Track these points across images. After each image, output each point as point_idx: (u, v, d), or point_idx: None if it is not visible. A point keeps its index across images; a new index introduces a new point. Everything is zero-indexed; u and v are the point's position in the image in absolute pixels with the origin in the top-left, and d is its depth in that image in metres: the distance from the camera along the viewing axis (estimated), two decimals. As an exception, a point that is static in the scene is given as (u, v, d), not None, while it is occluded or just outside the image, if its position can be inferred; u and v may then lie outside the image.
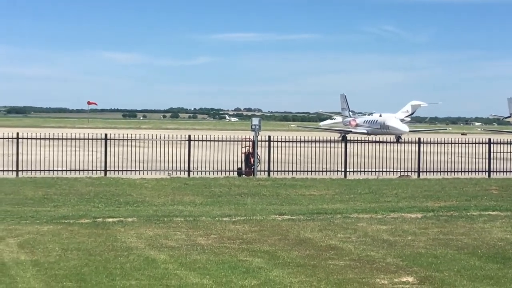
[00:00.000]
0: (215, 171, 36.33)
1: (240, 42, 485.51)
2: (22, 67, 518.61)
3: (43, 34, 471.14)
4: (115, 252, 15.78)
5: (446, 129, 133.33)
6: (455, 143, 40.73)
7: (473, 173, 39.12)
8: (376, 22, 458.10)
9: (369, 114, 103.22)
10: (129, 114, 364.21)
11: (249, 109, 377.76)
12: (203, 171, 36.32)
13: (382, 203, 25.61)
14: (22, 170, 34.33)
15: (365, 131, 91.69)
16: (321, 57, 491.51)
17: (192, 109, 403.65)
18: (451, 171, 38.97)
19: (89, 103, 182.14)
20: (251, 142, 37.73)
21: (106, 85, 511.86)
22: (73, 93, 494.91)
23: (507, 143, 43.92)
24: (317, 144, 40.83)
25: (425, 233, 19.24)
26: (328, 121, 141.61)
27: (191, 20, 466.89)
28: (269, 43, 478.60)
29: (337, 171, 37.66)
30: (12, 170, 34.28)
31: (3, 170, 34.22)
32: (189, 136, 37.90)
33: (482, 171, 39.48)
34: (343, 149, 38.24)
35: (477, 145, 41.40)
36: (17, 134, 35.43)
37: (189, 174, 35.71)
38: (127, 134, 40.79)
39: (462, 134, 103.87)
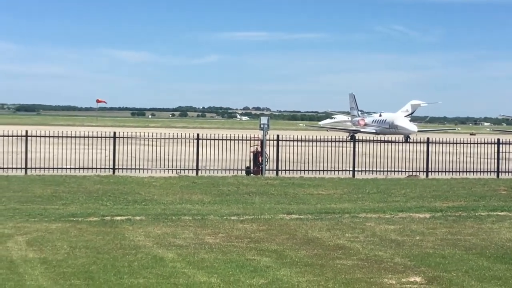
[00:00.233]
0: (224, 170, 36.34)
1: (249, 41, 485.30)
2: (31, 65, 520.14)
3: (52, 33, 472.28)
4: (123, 250, 15.80)
5: (455, 129, 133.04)
6: (464, 143, 40.66)
7: (482, 173, 39.04)
8: (385, 21, 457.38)
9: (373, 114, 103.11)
10: (138, 112, 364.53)
11: (257, 108, 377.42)
12: (212, 169, 36.33)
13: (390, 203, 25.59)
14: (31, 168, 34.41)
15: (374, 131, 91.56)
16: (329, 56, 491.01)
17: (201, 107, 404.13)
18: (459, 171, 38.91)
19: (98, 101, 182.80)
20: (259, 141, 37.74)
21: (115, 84, 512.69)
22: (82, 91, 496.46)
23: None
24: (326, 144, 40.82)
25: (433, 233, 19.22)
26: (328, 120, 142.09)
27: (200, 19, 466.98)
28: (278, 42, 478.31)
29: (346, 170, 37.63)
30: (21, 168, 34.37)
31: (12, 168, 34.31)
32: (198, 134, 37.92)
33: (491, 172, 39.41)
34: (352, 149, 38.22)
35: (486, 145, 41.32)
36: (26, 132, 35.50)
37: (197, 173, 35.74)
38: (136, 133, 40.84)
39: (471, 134, 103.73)
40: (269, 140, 37.77)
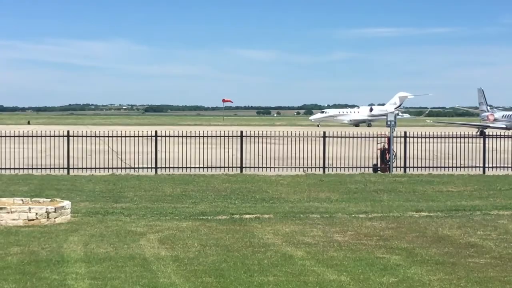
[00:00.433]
0: (351, 167, 36.16)
1: (378, 37, 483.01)
2: (159, 66, 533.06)
3: (180, 34, 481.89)
4: (252, 248, 15.92)
5: None
6: None
7: None
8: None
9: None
10: (263, 111, 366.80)
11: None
12: (339, 167, 36.20)
13: (523, 200, 24.90)
14: (161, 167, 35.08)
15: (504, 126, 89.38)
16: (457, 51, 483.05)
17: (326, 105, 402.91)
18: None
19: (224, 100, 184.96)
20: (386, 138, 37.40)
21: (241, 83, 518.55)
22: (209, 91, 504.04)
23: None
24: (453, 140, 40.10)
25: None
26: (318, 115, 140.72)
27: (327, 16, 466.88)
28: (406, 38, 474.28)
29: (475, 167, 36.86)
30: (151, 168, 35.09)
31: (143, 168, 35.09)
32: (324, 132, 37.84)
33: None
34: (481, 144, 37.41)
35: None
36: (156, 132, 36.22)
37: (324, 171, 35.69)
38: (262, 131, 41.06)
39: None
40: (396, 137, 37.37)
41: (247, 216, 20.64)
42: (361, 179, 31.70)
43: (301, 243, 16.54)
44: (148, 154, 37.16)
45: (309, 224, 19.35)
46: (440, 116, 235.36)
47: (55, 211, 19.11)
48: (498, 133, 51.21)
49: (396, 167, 36.43)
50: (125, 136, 36.99)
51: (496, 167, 37.08)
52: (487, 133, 48.84)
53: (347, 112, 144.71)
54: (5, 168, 33.91)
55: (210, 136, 37.30)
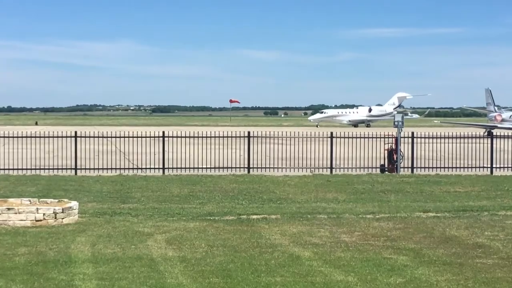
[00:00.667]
0: (358, 168, 36.14)
1: (383, 37, 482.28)
2: (166, 66, 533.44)
3: (186, 34, 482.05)
4: (259, 248, 15.93)
5: None
6: None
7: None
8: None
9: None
10: (271, 111, 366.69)
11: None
12: (346, 168, 36.17)
13: (531, 200, 24.86)
14: (168, 168, 35.10)
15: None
16: (464, 51, 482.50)
17: (333, 105, 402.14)
18: None
19: (231, 101, 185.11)
20: (394, 139, 37.36)
21: (248, 83, 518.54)
22: (216, 92, 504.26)
23: None
24: (461, 140, 40.05)
25: None
26: (317, 115, 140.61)
27: (332, 16, 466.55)
28: (412, 38, 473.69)
29: (483, 167, 36.81)
30: (159, 168, 35.11)
31: (150, 168, 35.11)
32: (331, 133, 37.81)
33: None
34: (489, 145, 37.37)
35: None
36: (163, 132, 36.25)
37: (331, 171, 35.67)
38: (269, 132, 41.06)
39: None
40: (404, 137, 37.31)
41: (255, 216, 20.65)
42: (368, 179, 31.68)
43: (309, 244, 16.55)
44: (156, 155, 37.18)
45: (316, 224, 19.35)
46: (448, 117, 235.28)
47: (62, 212, 19.15)
48: (506, 134, 51.12)
49: (404, 167, 36.38)
50: (133, 137, 37.02)
51: (504, 167, 37.02)
52: (494, 134, 48.71)
53: (346, 113, 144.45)
54: (13, 169, 33.99)
55: (217, 137, 37.30)
